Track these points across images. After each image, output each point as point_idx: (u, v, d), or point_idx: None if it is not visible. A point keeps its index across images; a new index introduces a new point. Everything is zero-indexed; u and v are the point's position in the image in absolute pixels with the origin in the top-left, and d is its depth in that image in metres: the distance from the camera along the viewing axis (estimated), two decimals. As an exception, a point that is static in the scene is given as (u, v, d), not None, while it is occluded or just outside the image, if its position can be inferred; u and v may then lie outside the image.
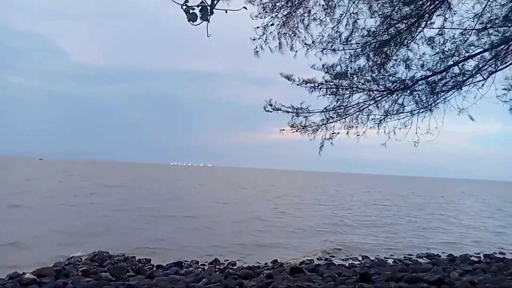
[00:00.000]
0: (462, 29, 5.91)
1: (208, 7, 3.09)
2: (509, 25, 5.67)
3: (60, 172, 69.95)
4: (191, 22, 3.05)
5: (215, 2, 3.21)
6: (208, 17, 3.10)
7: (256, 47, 6.26)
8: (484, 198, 54.91)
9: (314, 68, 6.61)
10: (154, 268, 10.15)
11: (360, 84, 6.65)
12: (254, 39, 6.22)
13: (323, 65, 6.55)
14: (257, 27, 6.19)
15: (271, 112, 6.63)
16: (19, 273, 8.52)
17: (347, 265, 11.47)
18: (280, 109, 6.63)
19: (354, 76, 6.60)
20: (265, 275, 9.04)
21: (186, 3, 2.99)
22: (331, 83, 6.65)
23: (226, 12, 3.40)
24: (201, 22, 3.07)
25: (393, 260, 12.61)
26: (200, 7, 3.05)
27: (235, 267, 10.47)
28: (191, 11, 3.01)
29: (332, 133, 6.83)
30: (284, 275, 8.86)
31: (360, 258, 12.80)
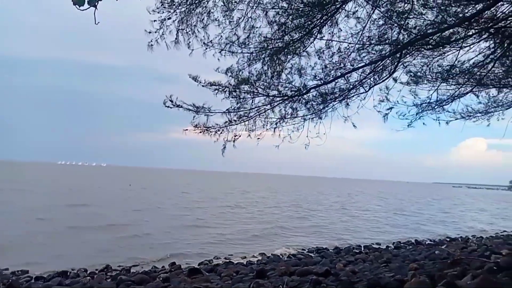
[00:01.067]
0: (347, 42, 6.56)
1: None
2: (384, 44, 6.48)
3: None
4: (76, 6, 2.82)
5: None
6: (96, 3, 2.90)
7: (152, 41, 6.06)
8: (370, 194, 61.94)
9: (219, 71, 6.65)
10: (33, 280, 9.08)
11: (261, 89, 6.90)
12: (150, 32, 6.01)
13: (227, 70, 6.63)
14: (154, 21, 5.99)
15: (171, 108, 6.45)
16: None
17: (245, 263, 11.79)
18: (181, 106, 6.49)
19: (255, 81, 6.82)
20: (161, 279, 8.78)
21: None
22: (234, 87, 6.76)
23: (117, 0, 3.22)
24: (89, 8, 2.86)
25: (287, 255, 13.38)
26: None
27: (129, 274, 9.95)
28: (77, -6, 2.79)
29: (235, 135, 6.95)
30: (181, 277, 8.73)
31: (257, 256, 13.27)
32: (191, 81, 6.54)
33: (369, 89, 6.94)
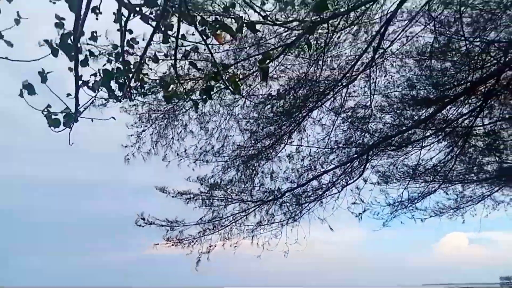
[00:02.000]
0: (316, 147, 6.88)
1: (73, 115, 2.98)
2: (351, 146, 6.84)
3: None
4: (52, 128, 2.87)
5: (80, 110, 3.12)
6: (72, 125, 2.96)
7: (128, 154, 6.16)
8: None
9: (190, 180, 6.69)
10: None
11: (234, 195, 6.89)
12: (126, 146, 6.14)
13: (197, 177, 6.68)
14: (131, 135, 6.17)
15: (143, 226, 6.26)
16: None
17: None
18: (153, 223, 6.31)
19: (227, 187, 6.84)
20: None
21: (48, 109, 2.84)
22: (206, 194, 6.73)
23: (92, 121, 3.30)
24: (64, 129, 2.91)
25: None
26: (64, 114, 2.92)
27: None
28: (53, 117, 2.85)
29: (209, 246, 6.67)
30: None
31: None
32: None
33: (342, 189, 7.06)
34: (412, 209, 7.96)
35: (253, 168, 6.80)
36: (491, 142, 6.89)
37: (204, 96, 3.12)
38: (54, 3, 2.96)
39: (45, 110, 2.85)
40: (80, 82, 3.03)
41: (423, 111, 6.78)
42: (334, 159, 6.91)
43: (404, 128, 6.78)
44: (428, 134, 6.94)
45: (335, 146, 6.82)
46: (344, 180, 7.12)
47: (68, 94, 3.00)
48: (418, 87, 6.42)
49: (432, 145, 7.53)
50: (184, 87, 4.65)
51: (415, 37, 5.70)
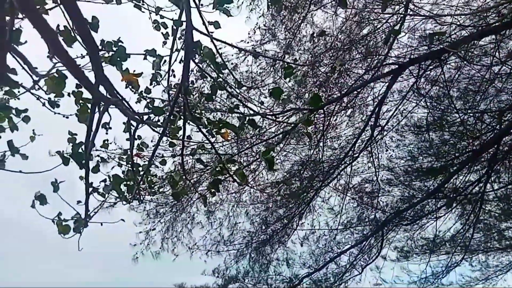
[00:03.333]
0: (328, 229, 6.73)
1: (83, 220, 3.03)
2: (365, 224, 6.69)
3: None
4: (62, 235, 2.89)
5: (91, 215, 3.18)
6: (82, 230, 3.00)
7: (137, 253, 6.07)
8: None
9: (205, 274, 6.52)
10: None
11: (251, 285, 6.62)
12: (135, 245, 6.08)
13: (212, 271, 6.51)
14: (140, 232, 6.14)
15: None
16: None
17: None
18: None
19: (242, 278, 6.60)
20: None
21: (59, 216, 2.90)
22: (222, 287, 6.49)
23: (101, 225, 3.34)
24: (74, 235, 2.94)
25: None
26: (74, 220, 2.97)
27: None
28: (63, 223, 2.90)
29: None
30: None
31: None
32: None
33: (362, 270, 6.75)
34: (437, 285, 7.47)
35: (266, 255, 6.61)
36: (505, 207, 6.72)
37: (212, 190, 3.20)
38: (67, 117, 3.22)
39: (56, 218, 2.91)
40: (90, 189, 3.14)
41: (431, 182, 6.75)
42: (349, 238, 6.72)
43: (415, 200, 6.69)
44: (440, 204, 6.82)
45: (348, 225, 6.68)
46: (362, 260, 6.83)
47: (79, 202, 3.08)
48: (421, 159, 6.49)
49: (447, 215, 7.35)
50: (191, 181, 4.76)
51: (409, 114, 5.94)
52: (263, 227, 6.77)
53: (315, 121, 5.39)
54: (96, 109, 2.64)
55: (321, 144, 5.78)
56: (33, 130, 3.08)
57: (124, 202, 3.56)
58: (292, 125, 4.21)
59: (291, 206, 6.62)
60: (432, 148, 6.22)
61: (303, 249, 6.96)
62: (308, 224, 6.90)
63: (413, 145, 6.44)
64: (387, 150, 6.62)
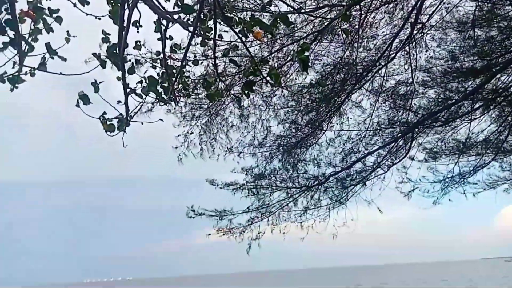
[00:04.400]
0: (357, 130, 6.82)
1: (125, 120, 3.21)
2: (395, 126, 6.70)
3: None
4: (108, 133, 3.11)
5: (131, 115, 3.36)
6: (125, 128, 3.20)
7: (180, 155, 6.44)
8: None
9: (235, 172, 6.92)
10: None
11: (279, 182, 7.03)
12: (176, 147, 6.43)
13: (242, 168, 6.89)
14: (179, 135, 6.45)
15: (193, 218, 6.57)
16: None
17: None
18: (203, 214, 6.61)
19: (271, 176, 6.99)
20: None
21: (104, 115, 3.09)
22: (252, 184, 6.93)
23: (142, 124, 3.55)
24: (118, 133, 3.15)
25: None
26: (117, 119, 3.15)
27: None
28: (108, 122, 3.10)
29: (258, 233, 6.88)
30: None
31: None
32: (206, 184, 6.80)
33: (388, 169, 6.96)
34: (464, 184, 7.66)
35: (296, 156, 6.89)
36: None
37: (246, 91, 3.24)
38: (100, 19, 3.20)
39: (101, 117, 3.09)
40: (128, 90, 3.26)
41: (469, 83, 6.47)
42: (377, 140, 6.81)
43: (450, 102, 6.51)
44: (477, 106, 6.63)
45: (378, 127, 6.71)
46: (389, 160, 7.01)
47: (119, 101, 3.23)
48: (462, 58, 6.12)
49: (482, 117, 7.19)
50: (225, 83, 4.80)
51: (455, 8, 5.42)
52: (293, 130, 6.94)
53: (351, 18, 5.07)
54: (126, 6, 2.60)
55: (355, 44, 5.52)
56: (67, 31, 3.10)
57: (162, 103, 3.69)
58: (328, 21, 3.98)
59: (321, 110, 6.65)
60: (476, 47, 5.81)
61: (331, 150, 7.18)
62: (337, 127, 7.00)
63: (455, 44, 6.02)
64: (426, 50, 6.26)
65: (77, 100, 2.94)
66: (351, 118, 6.76)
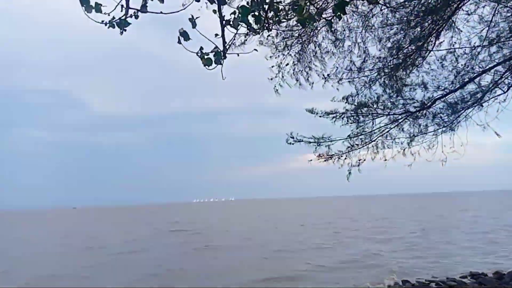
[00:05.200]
0: (470, 46, 5.98)
1: (222, 52, 3.37)
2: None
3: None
4: (206, 67, 3.32)
5: (227, 47, 3.50)
6: (222, 61, 3.36)
7: (275, 86, 6.51)
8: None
9: (334, 100, 6.81)
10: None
11: (380, 109, 6.75)
12: (271, 79, 6.50)
13: (343, 97, 6.73)
14: (272, 66, 6.48)
15: (293, 144, 6.77)
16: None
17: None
18: (302, 141, 6.76)
19: (373, 103, 6.72)
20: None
21: (201, 50, 3.28)
22: (352, 112, 6.78)
23: (238, 55, 3.68)
24: (216, 66, 3.33)
25: (435, 283, 11.95)
26: (214, 53, 3.32)
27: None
28: (205, 57, 3.29)
29: (359, 160, 6.87)
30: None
31: (400, 283, 12.18)
32: (301, 110, 6.82)
33: (508, 89, 6.11)
34: None
35: (399, 79, 6.44)
36: None
37: (338, 13, 3.09)
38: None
39: (199, 51, 3.28)
40: (223, 22, 3.37)
41: None
42: (495, 55, 5.93)
43: None
44: None
45: (496, 39, 5.79)
46: (509, 78, 6.12)
47: (216, 34, 3.37)
48: None
49: None
50: (316, 7, 4.58)
51: None
52: (395, 52, 6.41)
53: None
54: None
55: None
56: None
57: (254, 33, 3.74)
58: None
59: (427, 25, 5.95)
60: None
61: (439, 71, 6.52)
62: (446, 43, 6.24)
63: None
64: None
65: (178, 37, 3.16)
66: (462, 31, 5.93)
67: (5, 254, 22.64)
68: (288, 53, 6.43)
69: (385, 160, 6.86)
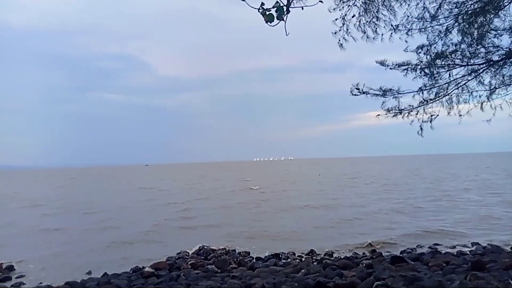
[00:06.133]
0: None
1: (284, 7, 3.17)
2: None
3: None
4: (268, 23, 3.16)
5: (290, 1, 3.29)
6: (285, 17, 3.18)
7: (339, 40, 6.09)
8: None
9: (406, 51, 6.30)
10: (254, 260, 10.65)
11: (458, 60, 6.12)
12: (335, 33, 6.07)
13: (417, 47, 6.18)
14: (336, 19, 6.05)
15: (358, 95, 6.45)
16: (140, 267, 9.68)
17: (455, 253, 10.63)
18: (368, 92, 6.40)
19: (451, 53, 6.09)
20: (364, 265, 8.88)
21: (263, 6, 3.11)
22: (426, 63, 6.24)
23: (302, 9, 3.44)
24: (278, 22, 3.16)
25: (510, 246, 11.32)
26: (276, 8, 3.14)
27: (332, 258, 10.45)
28: (267, 13, 3.13)
29: (431, 115, 6.43)
30: (385, 265, 8.60)
31: (469, 245, 11.75)
32: (361, 67, 6.42)
33: None
34: None
35: (480, 25, 5.70)
36: None
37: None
38: None
39: (260, 7, 3.12)
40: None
41: None
42: None
43: None
44: None
45: None
46: None
47: (278, -12, 3.16)
48: None
49: None
50: None
51: None
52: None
53: None
54: None
55: None
56: None
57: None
58: None
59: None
60: None
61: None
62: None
63: None
64: None
65: (240, -6, 3.00)
66: None
67: (114, 206, 25.32)
68: (354, 3, 5.93)
69: (460, 115, 6.33)
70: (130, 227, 16.87)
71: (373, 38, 6.04)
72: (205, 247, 11.80)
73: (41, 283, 9.12)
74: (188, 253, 11.50)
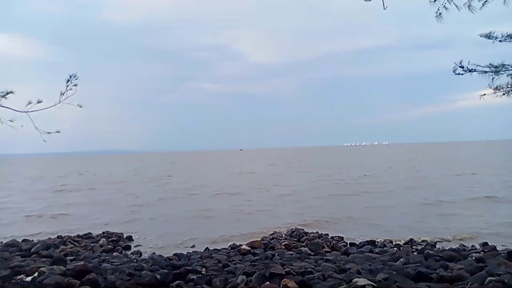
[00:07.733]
0: None
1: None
2: None
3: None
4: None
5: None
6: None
7: (439, 9, 5.36)
8: None
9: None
10: (348, 245, 10.44)
11: None
12: (434, 0, 5.38)
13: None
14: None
15: (462, 74, 5.73)
16: (237, 244, 10.27)
17: None
18: (474, 70, 5.65)
19: None
20: (474, 258, 8.05)
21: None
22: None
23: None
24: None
25: None
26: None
27: (435, 249, 9.70)
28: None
29: None
30: (500, 260, 7.68)
31: None
32: (468, 42, 5.60)
33: None
34: None
35: None
36: None
37: None
38: None
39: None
40: None
41: None
42: None
43: None
44: None
45: None
46: None
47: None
48: None
49: None
50: None
51: None
52: None
53: None
54: None
55: None
56: None
57: None
58: None
59: None
60: None
61: None
62: None
63: None
64: None
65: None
66: None
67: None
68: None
69: None
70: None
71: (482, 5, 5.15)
72: (298, 229, 11.92)
73: (154, 253, 10.29)
74: (282, 234, 11.74)
